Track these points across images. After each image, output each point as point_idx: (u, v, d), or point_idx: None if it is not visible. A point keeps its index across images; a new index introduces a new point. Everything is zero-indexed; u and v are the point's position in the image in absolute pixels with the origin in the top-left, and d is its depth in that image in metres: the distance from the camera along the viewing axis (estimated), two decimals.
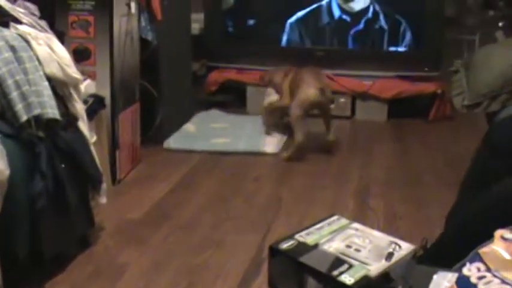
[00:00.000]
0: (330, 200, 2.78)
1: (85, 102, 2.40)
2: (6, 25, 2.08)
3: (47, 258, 2.08)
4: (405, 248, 1.65)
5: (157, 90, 3.41)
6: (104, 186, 2.35)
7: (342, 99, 4.22)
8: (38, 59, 2.11)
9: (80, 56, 2.74)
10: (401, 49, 4.34)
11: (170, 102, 3.53)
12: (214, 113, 4.14)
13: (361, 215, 2.59)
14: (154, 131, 3.44)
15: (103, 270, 2.15)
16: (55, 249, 2.08)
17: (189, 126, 3.80)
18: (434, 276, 1.44)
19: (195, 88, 4.13)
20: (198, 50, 4.16)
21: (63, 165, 2.13)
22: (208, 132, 3.74)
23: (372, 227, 2.32)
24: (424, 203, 2.76)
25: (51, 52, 2.18)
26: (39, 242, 2.04)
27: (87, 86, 2.45)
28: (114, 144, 2.84)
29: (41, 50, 2.14)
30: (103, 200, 2.37)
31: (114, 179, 2.86)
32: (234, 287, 2.06)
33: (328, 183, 3.01)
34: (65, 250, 2.18)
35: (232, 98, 4.37)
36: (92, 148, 2.35)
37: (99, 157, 2.39)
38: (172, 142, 3.51)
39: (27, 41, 2.10)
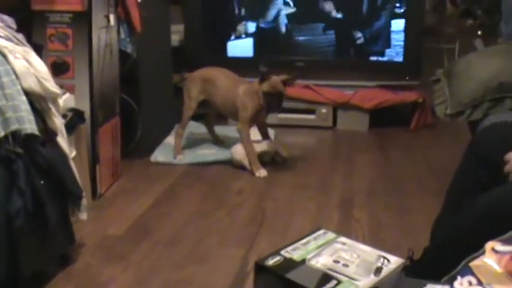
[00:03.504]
0: (313, 212, 2.76)
1: (64, 116, 2.35)
2: None
3: (25, 277, 2.03)
4: (393, 261, 1.63)
5: (137, 103, 3.37)
6: (84, 201, 2.30)
7: (323, 110, 4.21)
8: (15, 73, 2.06)
9: (58, 69, 2.69)
10: (381, 59, 4.34)
11: (151, 115, 3.49)
12: (195, 124, 4.09)
13: (346, 226, 2.57)
14: (135, 144, 3.40)
15: None
16: (34, 268, 2.03)
17: (170, 140, 3.75)
18: None
19: (176, 100, 4.09)
20: (179, 61, 4.12)
21: (42, 182, 2.08)
22: (191, 143, 3.71)
23: (357, 237, 2.32)
24: (407, 212, 2.75)
25: (28, 66, 2.13)
26: (17, 261, 1.99)
27: (65, 100, 2.41)
28: (94, 159, 2.79)
29: (18, 64, 2.10)
30: (83, 216, 2.33)
31: (94, 194, 2.81)
32: None
33: (312, 194, 2.99)
34: (44, 268, 2.13)
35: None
36: (72, 163, 2.30)
37: (79, 172, 2.35)
38: (160, 156, 3.48)
39: (3, 55, 2.06)
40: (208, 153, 3.56)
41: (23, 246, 1.95)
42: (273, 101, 3.19)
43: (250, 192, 3.03)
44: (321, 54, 4.37)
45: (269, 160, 3.36)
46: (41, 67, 2.18)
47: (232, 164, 3.36)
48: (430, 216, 2.08)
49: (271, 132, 3.76)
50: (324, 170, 3.39)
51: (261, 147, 3.34)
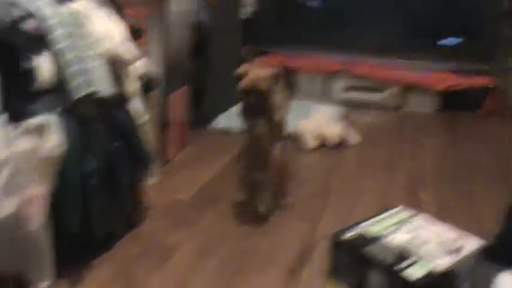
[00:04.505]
0: (379, 191, 2.73)
1: (138, 81, 2.38)
2: (62, 1, 2.06)
3: (97, 236, 2.07)
4: (473, 243, 1.58)
5: (206, 73, 3.38)
6: (154, 166, 2.33)
7: (392, 90, 4.14)
8: (93, 36, 2.09)
9: (133, 35, 2.71)
10: (454, 41, 4.24)
11: (219, 85, 3.50)
12: None
13: (412, 207, 2.53)
14: (202, 113, 3.42)
15: (151, 250, 2.14)
16: (105, 228, 2.07)
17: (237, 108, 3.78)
18: (499, 276, 1.39)
19: None
20: (247, 34, 4.11)
21: (116, 144, 2.12)
22: None
23: None
24: (474, 197, 2.68)
25: (106, 29, 2.16)
26: (90, 220, 2.04)
27: (141, 65, 2.43)
28: (164, 125, 2.82)
29: (97, 27, 2.12)
30: (153, 180, 2.36)
31: (163, 160, 2.84)
32: (282, 275, 2.03)
33: (378, 173, 2.95)
34: (113, 229, 2.17)
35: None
36: (144, 128, 2.33)
37: (149, 137, 2.38)
38: (221, 123, 3.49)
39: (83, 18, 2.09)
40: None
41: (95, 206, 1.98)
42: (252, 104, 2.34)
43: (316, 168, 3.01)
44: (394, 32, 4.29)
45: (336, 144, 3.31)
46: (119, 31, 2.20)
47: (294, 138, 3.34)
48: (497, 203, 2.03)
49: (337, 110, 3.75)
50: (390, 150, 3.34)
51: (331, 130, 3.29)
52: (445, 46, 4.28)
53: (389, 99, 4.15)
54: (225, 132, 3.41)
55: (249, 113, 2.37)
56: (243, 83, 2.30)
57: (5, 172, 1.64)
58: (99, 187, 2.01)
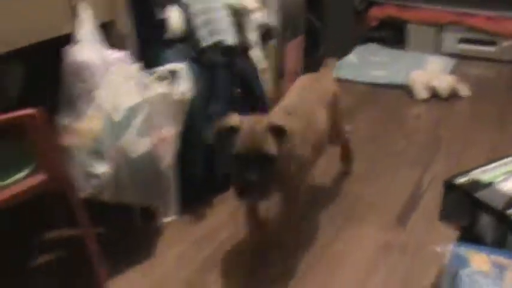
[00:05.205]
0: (488, 144, 2.72)
1: (258, 31, 2.49)
2: None
3: (219, 176, 2.23)
4: None
5: (321, 23, 3.46)
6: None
7: (505, 43, 4.04)
8: None
9: None
10: None
11: (332, 35, 3.57)
12: (374, 47, 4.15)
13: None
14: (316, 62, 3.49)
15: None
16: (225, 169, 2.20)
17: (352, 58, 3.86)
18: None
19: (355, 23, 4.12)
20: None
21: (238, 90, 2.26)
22: (369, 64, 3.77)
23: None
24: None
25: None
26: (212, 161, 2.19)
27: (260, 16, 2.53)
28: (279, 73, 2.93)
29: None
30: None
31: None
32: (390, 219, 2.13)
33: (487, 127, 2.92)
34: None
35: (391, 34, 4.31)
36: (262, 76, 2.45)
37: (266, 84, 2.49)
38: (339, 72, 3.57)
39: None
40: (381, 75, 3.60)
41: (217, 149, 2.13)
42: (253, 178, 1.58)
43: (427, 119, 3.04)
44: None
45: (447, 96, 3.31)
46: None
47: (406, 88, 3.38)
48: None
49: (449, 62, 3.74)
50: (502, 104, 3.30)
51: (442, 82, 3.29)
52: None
53: (503, 52, 4.06)
54: (338, 81, 3.46)
55: (246, 191, 1.61)
56: (240, 145, 1.61)
57: (142, 114, 1.81)
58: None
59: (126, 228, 2.09)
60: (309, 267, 1.89)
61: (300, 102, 1.97)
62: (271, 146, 1.60)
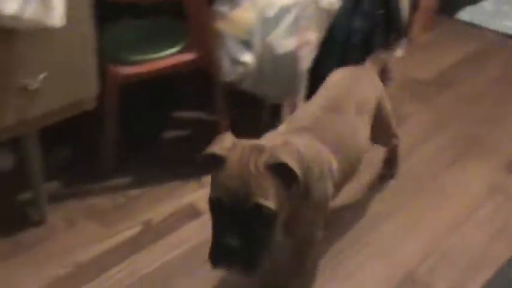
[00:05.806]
0: None
1: None
2: None
3: None
4: None
5: None
6: (405, 40, 2.47)
7: None
8: None
9: None
10: None
11: None
12: None
13: None
14: (450, 1, 3.44)
15: None
16: None
17: (487, 4, 3.75)
18: None
19: None
20: None
21: (380, 11, 2.30)
22: (503, 14, 3.67)
23: None
24: None
25: None
26: None
27: None
28: (414, 6, 2.92)
29: None
30: (399, 53, 2.52)
31: (407, 38, 2.95)
32: (504, 165, 2.15)
33: None
34: None
35: None
36: (403, 1, 2.47)
37: (406, 11, 2.51)
38: (466, 15, 3.50)
39: None
40: None
41: (350, 63, 2.20)
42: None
43: None
44: None
45: None
46: None
47: None
48: None
49: None
50: None
51: None
52: None
53: None
54: (469, 25, 3.41)
55: (223, 260, 1.15)
56: (221, 187, 1.13)
57: (292, 15, 1.90)
58: (357, 46, 2.22)
59: (255, 125, 2.19)
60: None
61: (329, 112, 1.51)
62: (269, 195, 1.11)
